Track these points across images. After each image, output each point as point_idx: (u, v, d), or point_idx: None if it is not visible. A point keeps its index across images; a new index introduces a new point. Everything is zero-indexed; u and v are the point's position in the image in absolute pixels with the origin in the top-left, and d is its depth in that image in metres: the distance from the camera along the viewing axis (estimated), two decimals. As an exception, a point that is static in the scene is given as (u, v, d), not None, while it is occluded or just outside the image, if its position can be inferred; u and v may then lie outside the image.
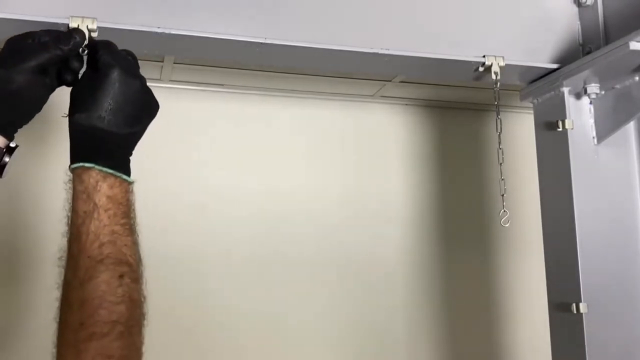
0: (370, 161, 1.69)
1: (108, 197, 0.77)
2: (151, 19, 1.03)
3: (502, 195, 1.14)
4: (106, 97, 0.79)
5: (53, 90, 0.86)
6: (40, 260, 1.40)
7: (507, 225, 1.14)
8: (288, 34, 1.09)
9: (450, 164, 1.75)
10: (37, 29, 0.98)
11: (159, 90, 1.54)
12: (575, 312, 1.13)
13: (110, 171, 0.78)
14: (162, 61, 1.39)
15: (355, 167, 1.68)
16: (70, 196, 0.77)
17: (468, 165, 1.76)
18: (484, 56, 1.17)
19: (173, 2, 1.06)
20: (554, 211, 1.22)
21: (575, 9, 1.26)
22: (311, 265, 1.61)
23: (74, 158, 0.79)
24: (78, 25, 0.97)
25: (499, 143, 1.17)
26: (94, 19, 0.98)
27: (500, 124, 1.17)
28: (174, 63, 1.40)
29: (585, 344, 1.11)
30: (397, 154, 1.71)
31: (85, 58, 0.86)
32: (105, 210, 0.76)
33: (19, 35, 0.85)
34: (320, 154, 1.66)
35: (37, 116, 0.84)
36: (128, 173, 0.82)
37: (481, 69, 1.18)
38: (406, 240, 1.69)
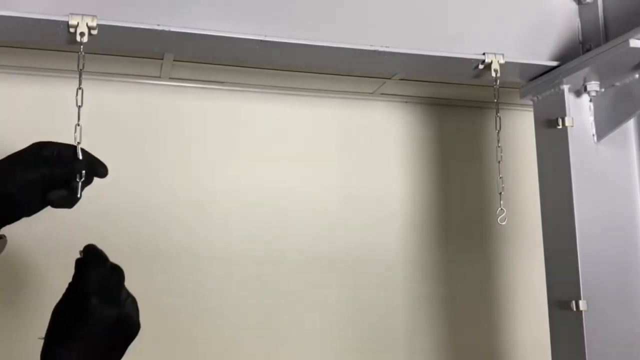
0: (369, 159, 1.69)
1: None
2: (151, 16, 1.03)
3: (500, 193, 1.14)
4: (81, 331, 0.74)
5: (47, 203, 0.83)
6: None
7: (503, 223, 1.14)
8: (287, 32, 1.09)
9: (449, 161, 1.75)
10: (37, 26, 0.98)
11: (159, 88, 1.56)
12: (574, 309, 1.13)
13: None
14: (162, 59, 1.38)
15: (354, 165, 1.67)
16: None
17: (468, 163, 1.75)
18: (483, 54, 1.17)
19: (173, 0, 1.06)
20: (553, 209, 1.22)
21: (575, 6, 1.26)
22: (311, 263, 1.61)
23: None
24: (78, 23, 0.97)
25: (498, 141, 1.17)
26: (93, 16, 0.98)
27: (500, 121, 1.17)
28: (174, 60, 1.40)
29: (585, 341, 1.11)
30: (396, 151, 1.71)
31: (80, 185, 0.82)
32: None
33: (39, 145, 0.83)
34: (320, 152, 1.66)
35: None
36: None
37: (481, 66, 1.17)
38: (406, 238, 1.69)
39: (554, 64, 1.21)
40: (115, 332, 0.76)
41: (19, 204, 0.81)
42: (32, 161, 0.81)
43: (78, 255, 0.80)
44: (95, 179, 0.85)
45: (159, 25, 1.02)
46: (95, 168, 0.84)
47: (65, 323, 0.76)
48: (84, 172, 0.82)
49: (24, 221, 0.82)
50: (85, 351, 0.74)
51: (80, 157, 0.84)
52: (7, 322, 1.40)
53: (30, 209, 0.83)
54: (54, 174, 0.81)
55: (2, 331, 1.39)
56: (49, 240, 1.41)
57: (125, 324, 0.78)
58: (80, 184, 0.82)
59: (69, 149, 0.84)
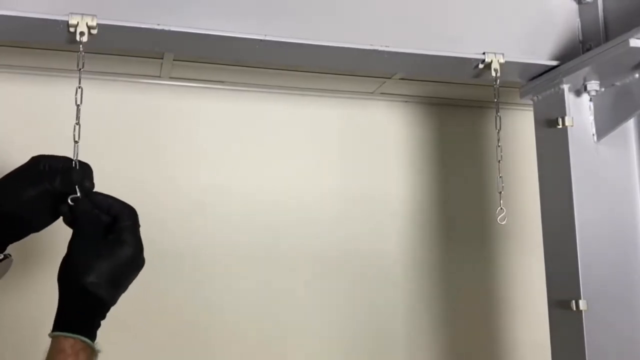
0: (369, 158, 1.69)
1: None
2: (151, 16, 1.03)
3: (500, 192, 1.14)
4: (116, 270, 0.81)
5: (57, 216, 0.85)
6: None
7: (503, 222, 1.14)
8: (287, 31, 1.09)
9: (449, 161, 1.75)
10: (37, 26, 0.98)
11: (159, 88, 1.56)
12: (574, 309, 1.13)
13: (91, 343, 0.77)
14: (162, 58, 1.38)
15: (354, 165, 1.68)
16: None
17: (468, 163, 1.75)
18: (484, 53, 1.17)
19: (173, -1, 1.06)
20: (553, 208, 1.22)
21: (575, 6, 1.26)
22: (311, 263, 1.61)
23: (63, 325, 0.77)
24: (77, 23, 0.97)
25: (498, 140, 1.17)
26: (93, 16, 0.98)
27: (500, 121, 1.17)
28: (174, 60, 1.40)
29: (585, 341, 1.11)
30: (396, 151, 1.71)
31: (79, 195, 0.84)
32: None
33: (35, 159, 0.85)
34: (320, 152, 1.66)
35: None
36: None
37: (481, 66, 1.17)
38: (406, 238, 1.69)
39: (554, 63, 1.21)
40: (133, 276, 0.86)
41: (22, 221, 0.83)
42: (29, 177, 0.82)
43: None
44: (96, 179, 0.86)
45: (159, 25, 1.02)
46: (81, 182, 0.85)
47: (103, 260, 0.80)
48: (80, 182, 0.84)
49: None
50: (114, 288, 0.81)
51: (77, 165, 0.85)
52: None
53: (37, 225, 0.85)
54: (53, 188, 0.82)
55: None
56: (49, 240, 1.41)
57: (139, 271, 0.86)
58: (79, 193, 0.83)
59: (60, 162, 0.85)
